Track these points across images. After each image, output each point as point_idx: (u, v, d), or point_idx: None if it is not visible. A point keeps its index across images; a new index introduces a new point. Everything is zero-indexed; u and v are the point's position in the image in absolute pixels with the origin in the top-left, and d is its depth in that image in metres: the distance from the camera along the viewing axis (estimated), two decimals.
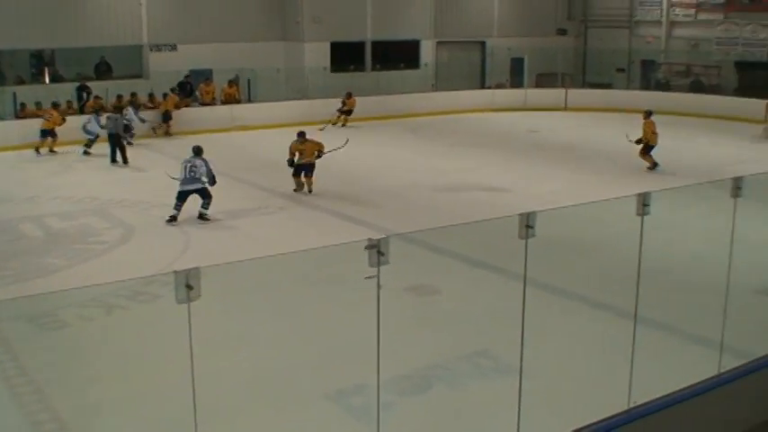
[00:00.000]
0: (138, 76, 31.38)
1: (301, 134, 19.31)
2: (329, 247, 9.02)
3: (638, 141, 22.08)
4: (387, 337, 6.77)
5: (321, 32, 34.20)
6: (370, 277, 6.23)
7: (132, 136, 25.76)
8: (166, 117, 27.92)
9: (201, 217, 16.66)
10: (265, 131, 27.77)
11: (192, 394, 6.04)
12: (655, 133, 21.96)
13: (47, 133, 24.39)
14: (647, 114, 22.30)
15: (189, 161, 16.71)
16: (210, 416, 6.67)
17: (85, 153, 24.27)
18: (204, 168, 16.59)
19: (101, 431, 8.72)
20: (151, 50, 31.64)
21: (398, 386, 9.12)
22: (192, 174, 16.59)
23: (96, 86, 28.45)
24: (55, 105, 25.29)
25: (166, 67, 30.68)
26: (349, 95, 30.44)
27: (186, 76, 30.66)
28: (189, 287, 5.68)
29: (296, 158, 19.21)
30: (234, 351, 10.22)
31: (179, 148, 23.07)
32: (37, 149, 24.31)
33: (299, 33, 34.20)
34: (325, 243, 8.73)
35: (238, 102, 30.34)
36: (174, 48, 31.86)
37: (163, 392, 8.89)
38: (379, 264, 6.21)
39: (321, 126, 27.45)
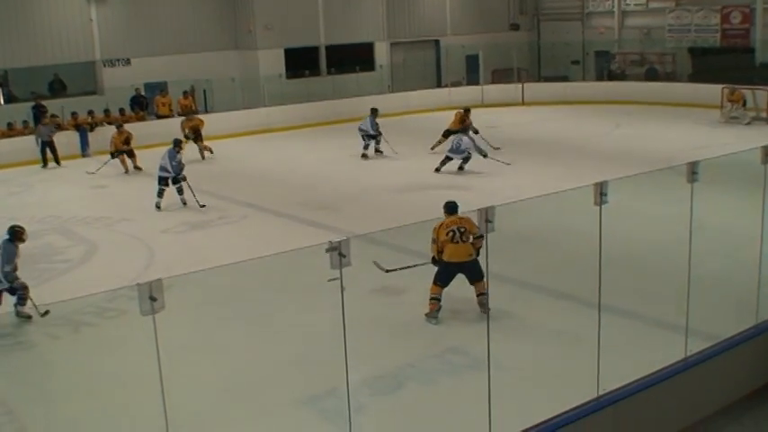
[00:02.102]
0: (93, 93, 31.15)
1: (453, 206, 11.44)
2: (291, 252, 9.01)
3: None
4: (356, 339, 6.78)
5: (274, 39, 34.12)
6: (333, 279, 6.24)
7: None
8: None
9: (461, 168, 21.53)
10: (223, 141, 27.64)
11: (162, 406, 6.02)
12: None
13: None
14: None
15: (458, 137, 21.66)
16: (183, 428, 6.65)
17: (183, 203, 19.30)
18: (468, 142, 21.08)
19: None
20: (104, 66, 31.41)
21: (371, 387, 9.14)
22: (458, 146, 21.32)
23: (51, 104, 28.14)
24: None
25: (121, 82, 30.50)
26: (467, 111, 25.37)
27: (136, 89, 30.42)
28: (153, 299, 5.68)
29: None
30: (203, 361, 10.20)
31: (144, 162, 23.04)
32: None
33: (253, 41, 34.11)
34: (287, 249, 8.73)
35: (195, 113, 30.16)
36: (127, 62, 31.66)
37: (135, 406, 8.85)
38: (341, 265, 6.22)
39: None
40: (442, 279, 10.97)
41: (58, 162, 25.43)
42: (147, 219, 17.95)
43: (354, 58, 36.72)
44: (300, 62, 35.39)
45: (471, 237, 10.85)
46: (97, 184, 22.24)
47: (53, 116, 26.84)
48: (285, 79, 34.16)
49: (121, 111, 29.01)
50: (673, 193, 9.35)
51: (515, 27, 41.83)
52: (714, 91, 29.34)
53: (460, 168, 21.45)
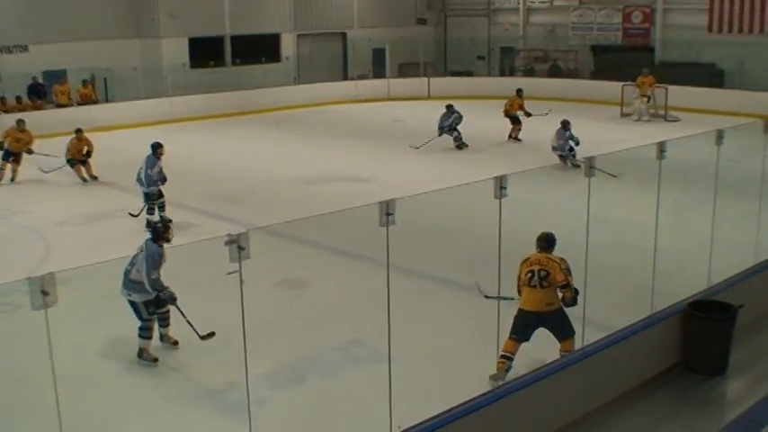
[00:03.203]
0: None
1: (547, 240, 9.16)
2: (191, 245, 8.90)
3: None
4: (257, 333, 6.74)
5: (178, 28, 33.66)
6: (232, 272, 6.17)
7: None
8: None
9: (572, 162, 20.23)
10: (124, 131, 27.15)
11: (56, 405, 5.86)
12: None
13: None
14: None
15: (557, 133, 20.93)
16: (77, 426, 6.50)
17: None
18: (561, 142, 20.73)
19: None
20: (1, 52, 30.54)
21: (272, 381, 9.13)
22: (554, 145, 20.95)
23: None
24: None
25: (18, 70, 29.62)
26: (518, 93, 25.56)
27: (34, 78, 29.68)
28: (45, 293, 5.54)
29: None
30: (99, 357, 10.01)
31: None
32: None
33: (156, 30, 33.59)
34: (187, 242, 8.60)
35: (95, 102, 29.64)
36: (24, 49, 30.78)
37: (27, 405, 8.64)
38: (240, 258, 6.16)
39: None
40: (518, 331, 8.86)
41: None
42: (43, 211, 17.53)
43: (260, 49, 36.53)
44: (205, 52, 35.01)
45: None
46: None
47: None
48: (189, 69, 33.75)
49: (18, 99, 28.35)
50: (571, 187, 9.50)
51: (422, 21, 42.07)
52: (615, 88, 29.96)
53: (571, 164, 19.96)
